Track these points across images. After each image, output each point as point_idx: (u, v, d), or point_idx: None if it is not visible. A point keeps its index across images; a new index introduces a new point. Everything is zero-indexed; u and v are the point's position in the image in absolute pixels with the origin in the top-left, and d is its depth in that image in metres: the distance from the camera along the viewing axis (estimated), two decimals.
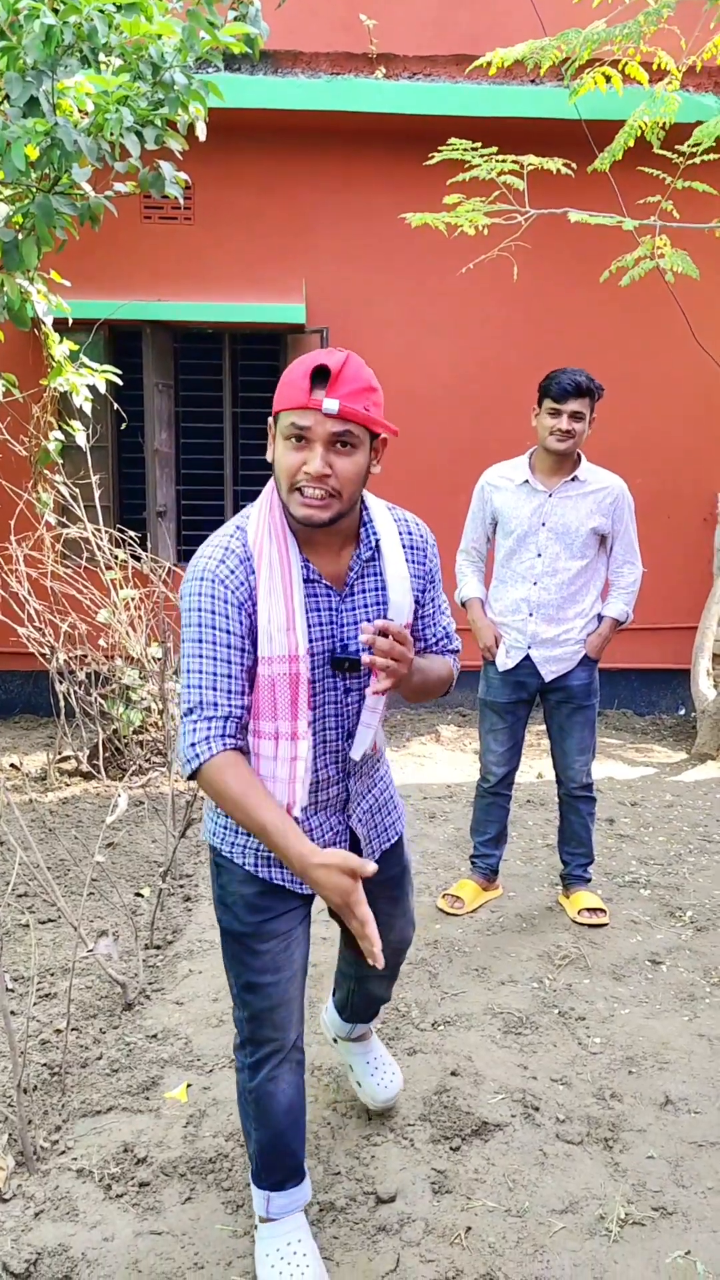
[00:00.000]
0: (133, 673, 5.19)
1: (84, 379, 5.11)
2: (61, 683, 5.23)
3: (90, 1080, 2.72)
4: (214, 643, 1.77)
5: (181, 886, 4.01)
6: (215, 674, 1.77)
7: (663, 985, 3.31)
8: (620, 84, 4.58)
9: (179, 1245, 2.15)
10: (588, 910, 3.75)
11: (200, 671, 1.77)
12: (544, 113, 6.16)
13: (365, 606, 1.91)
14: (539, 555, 3.62)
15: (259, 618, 1.80)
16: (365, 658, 1.73)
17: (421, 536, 2.02)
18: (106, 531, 5.45)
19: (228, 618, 1.77)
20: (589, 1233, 2.21)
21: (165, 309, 6.47)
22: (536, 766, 5.72)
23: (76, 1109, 2.60)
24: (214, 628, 1.77)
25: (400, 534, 1.97)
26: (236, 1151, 2.43)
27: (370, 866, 1.67)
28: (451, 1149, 2.47)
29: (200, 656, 1.78)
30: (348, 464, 1.75)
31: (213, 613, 1.77)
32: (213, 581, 1.78)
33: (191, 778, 1.78)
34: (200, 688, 1.77)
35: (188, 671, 1.79)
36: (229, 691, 1.77)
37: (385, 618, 1.91)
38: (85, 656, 5.34)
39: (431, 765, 5.84)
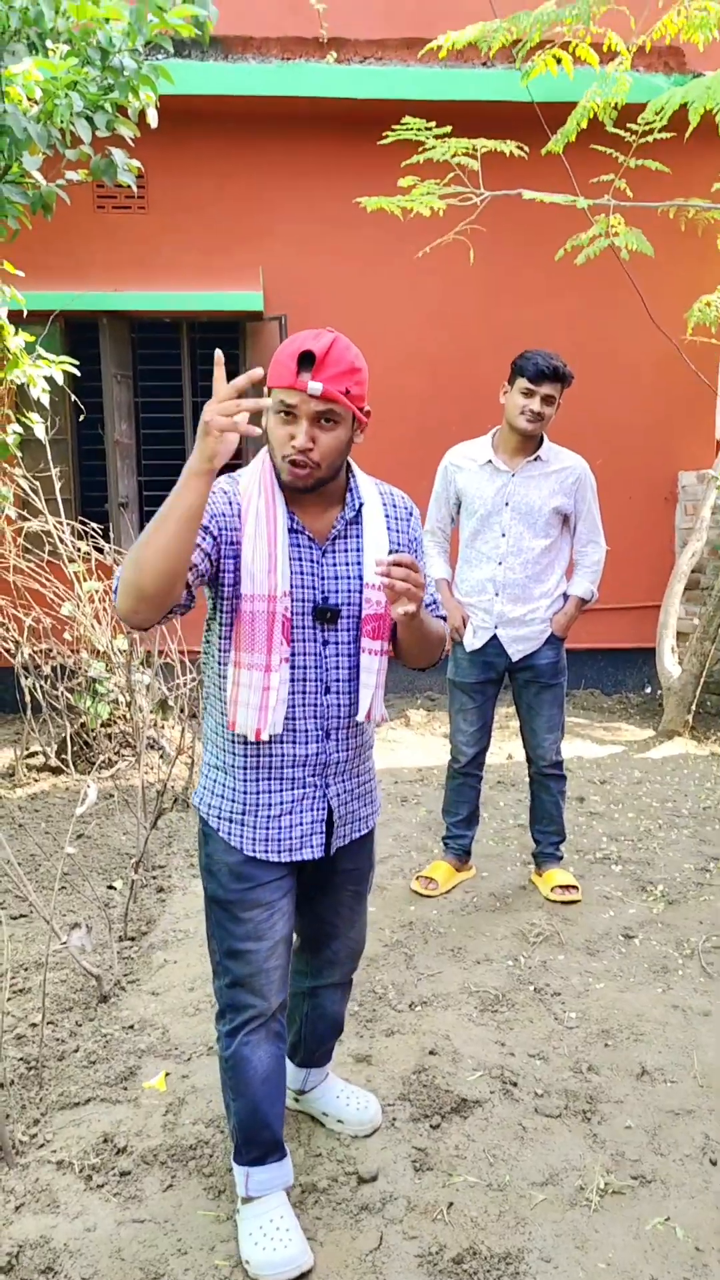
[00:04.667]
0: (99, 665, 5.15)
1: (41, 370, 5.05)
2: (27, 678, 5.18)
3: (68, 1073, 2.71)
4: None
5: (154, 878, 3.99)
6: None
7: (636, 959, 3.34)
8: (571, 66, 4.59)
9: (161, 1232, 2.15)
10: (560, 888, 3.78)
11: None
12: (496, 95, 6.16)
13: (346, 564, 2.05)
14: (503, 535, 3.63)
15: (243, 558, 1.93)
16: (383, 581, 1.82)
17: (406, 507, 2.18)
18: (68, 524, 5.40)
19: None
20: (569, 1203, 2.23)
21: (122, 299, 6.42)
22: (507, 748, 5.74)
23: (55, 1102, 2.58)
24: None
25: (385, 504, 2.13)
26: (217, 1138, 2.43)
27: (254, 373, 1.68)
28: (432, 1127, 2.48)
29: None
30: (329, 438, 1.90)
31: None
32: None
33: (120, 601, 1.80)
34: None
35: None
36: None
37: (362, 575, 2.05)
38: (50, 651, 5.30)
39: (402, 749, 5.86)
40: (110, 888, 3.92)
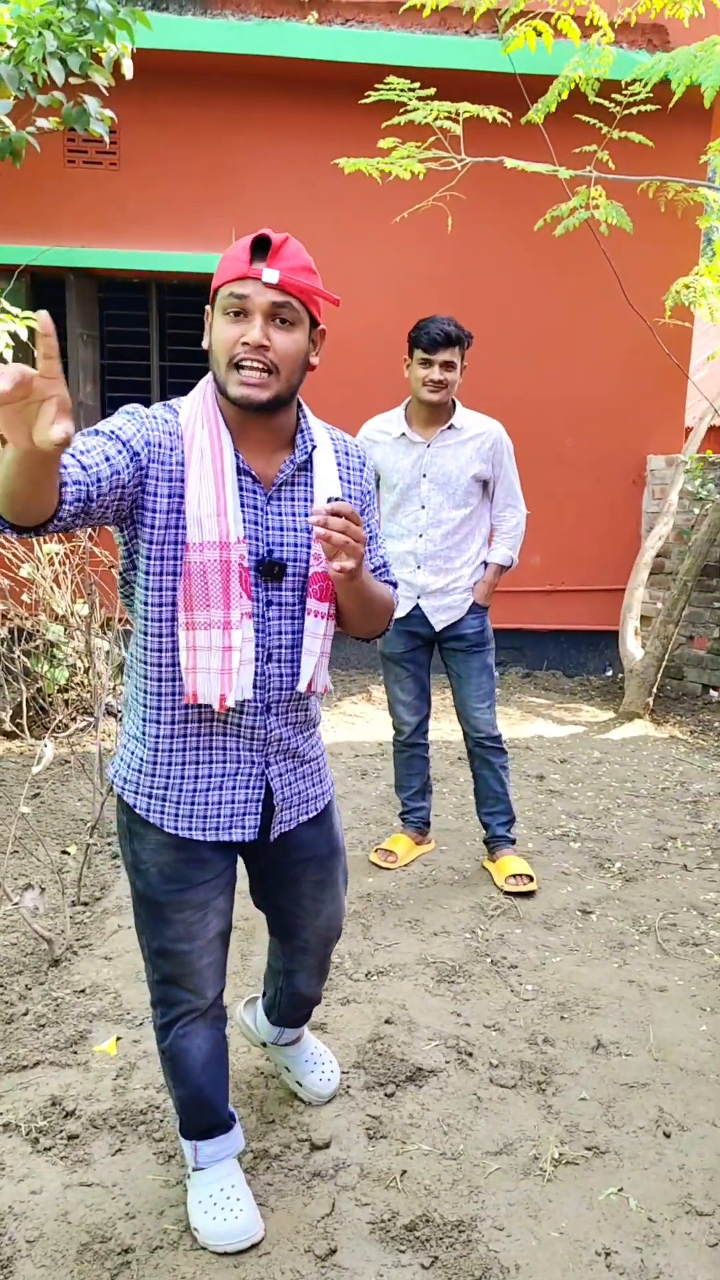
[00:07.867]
0: (57, 629, 5.06)
1: (4, 325, 4.92)
2: None
3: (16, 1036, 2.65)
4: (97, 434, 1.64)
5: (109, 843, 3.93)
6: (83, 450, 1.58)
7: (593, 934, 3.33)
8: (550, 39, 4.53)
9: (109, 1196, 2.10)
10: (514, 877, 3.64)
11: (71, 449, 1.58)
12: (478, 65, 6.08)
13: (294, 514, 1.83)
14: (422, 507, 3.60)
15: (188, 502, 1.70)
16: (319, 533, 1.59)
17: (359, 456, 1.95)
18: None
19: (123, 428, 1.66)
20: (523, 1173, 2.21)
21: (90, 256, 6.28)
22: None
23: (2, 1065, 2.53)
24: (107, 426, 1.67)
25: (337, 451, 1.91)
26: (167, 1103, 2.39)
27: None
28: (386, 1095, 2.46)
29: (82, 442, 1.61)
30: (286, 340, 1.69)
31: (113, 421, 1.69)
32: (129, 413, 1.72)
33: None
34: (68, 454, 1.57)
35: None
36: (81, 464, 1.55)
37: (311, 528, 1.82)
38: (8, 613, 5.19)
39: (363, 724, 5.82)
40: (64, 853, 3.85)
